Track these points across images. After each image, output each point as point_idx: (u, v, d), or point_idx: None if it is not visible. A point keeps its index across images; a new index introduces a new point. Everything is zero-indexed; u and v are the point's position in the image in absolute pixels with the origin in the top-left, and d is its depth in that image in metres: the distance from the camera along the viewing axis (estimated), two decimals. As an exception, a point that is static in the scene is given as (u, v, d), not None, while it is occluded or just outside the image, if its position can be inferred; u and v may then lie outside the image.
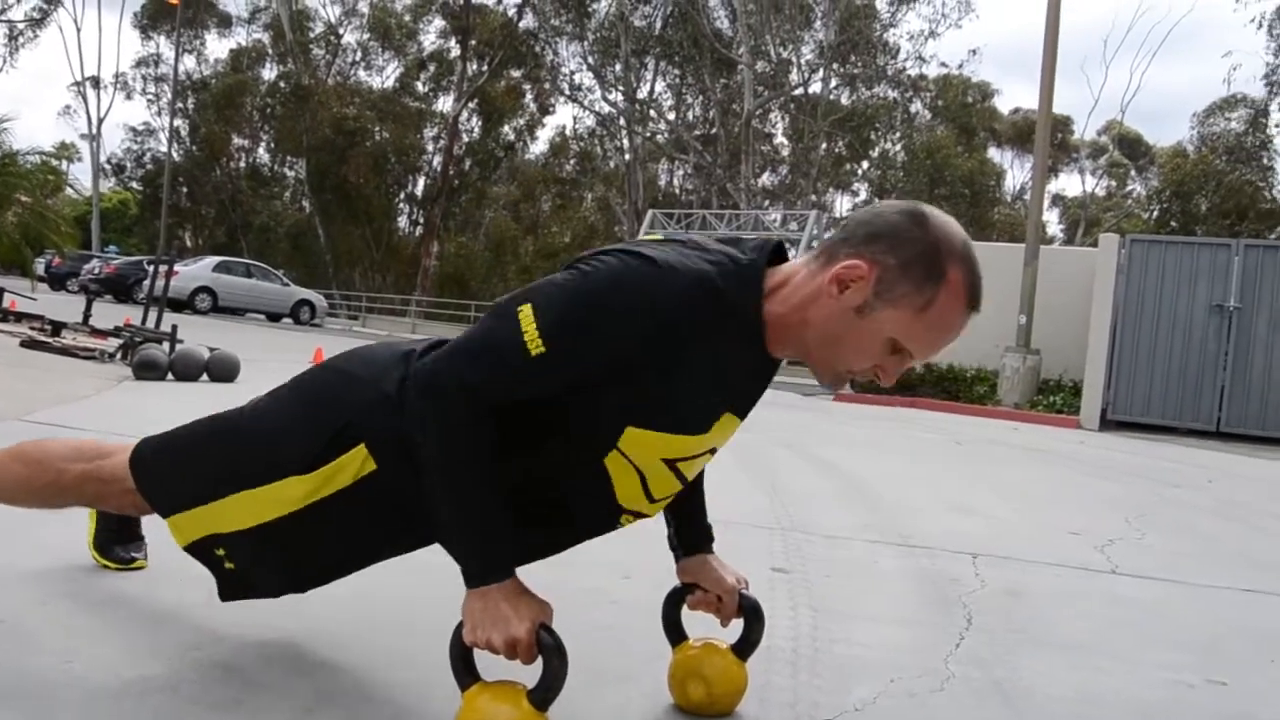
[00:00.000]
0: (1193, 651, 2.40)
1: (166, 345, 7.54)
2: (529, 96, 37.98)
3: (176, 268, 18.38)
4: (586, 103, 34.70)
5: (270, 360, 9.49)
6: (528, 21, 34.29)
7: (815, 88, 31.17)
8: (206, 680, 1.66)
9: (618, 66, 32.22)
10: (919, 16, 41.29)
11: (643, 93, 33.66)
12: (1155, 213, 32.67)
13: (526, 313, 1.35)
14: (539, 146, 41.23)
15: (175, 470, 1.72)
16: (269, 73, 40.80)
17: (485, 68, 35.02)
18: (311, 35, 39.67)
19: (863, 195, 39.38)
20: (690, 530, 1.75)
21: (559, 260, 28.49)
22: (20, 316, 10.14)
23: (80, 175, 47.33)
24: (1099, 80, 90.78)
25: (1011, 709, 1.89)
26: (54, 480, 1.86)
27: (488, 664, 1.45)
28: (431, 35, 38.81)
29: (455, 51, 36.26)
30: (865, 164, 36.25)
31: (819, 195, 33.38)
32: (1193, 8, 56.19)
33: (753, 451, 5.84)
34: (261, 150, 42.39)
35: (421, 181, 39.03)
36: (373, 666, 1.80)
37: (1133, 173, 41.24)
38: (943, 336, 1.41)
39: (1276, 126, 29.58)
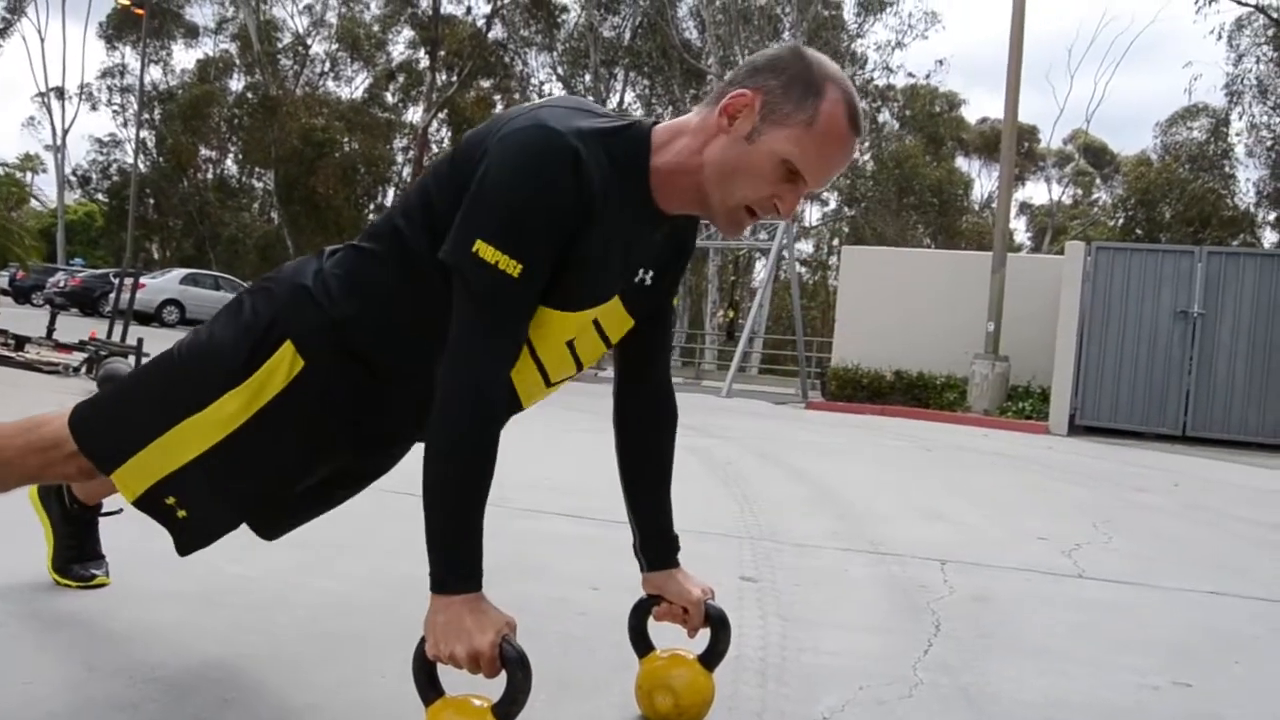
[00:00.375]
0: (1159, 654, 2.42)
1: (132, 358, 7.46)
2: (499, 107, 37.98)
3: (143, 280, 18.21)
4: (557, 113, 34.64)
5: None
6: (497, 32, 34.31)
7: (784, 97, 31.25)
8: (169, 699, 1.63)
9: (587, 77, 32.29)
10: (886, 27, 41.80)
11: (613, 103, 33.70)
12: (1120, 220, 33.07)
13: (482, 247, 1.38)
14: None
15: (115, 418, 1.71)
16: (236, 83, 40.55)
17: (455, 78, 34.95)
18: (279, 46, 39.46)
19: (832, 204, 39.64)
20: (656, 541, 1.75)
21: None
22: (-17, 331, 9.99)
23: (45, 187, 46.84)
24: (1064, 90, 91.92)
25: (979, 714, 1.89)
26: None
27: (452, 679, 1.44)
28: (400, 46, 38.76)
29: (424, 62, 36.17)
30: (835, 174, 36.45)
31: (789, 205, 33.54)
32: (1155, 19, 57.12)
33: (722, 459, 5.84)
34: (229, 161, 42.10)
35: (391, 192, 38.89)
36: (336, 683, 1.78)
37: (1098, 181, 41.72)
38: (832, 155, 1.45)
39: (1237, 135, 30.06)
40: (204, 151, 41.06)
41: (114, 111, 41.69)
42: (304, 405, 1.59)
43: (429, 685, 1.42)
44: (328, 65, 39.78)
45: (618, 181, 1.46)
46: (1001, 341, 12.67)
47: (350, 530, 2.94)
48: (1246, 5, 23.39)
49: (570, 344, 1.58)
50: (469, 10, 34.59)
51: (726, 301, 30.00)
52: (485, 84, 36.57)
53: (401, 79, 38.90)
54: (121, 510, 2.17)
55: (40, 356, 8.39)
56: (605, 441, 1.87)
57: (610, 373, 1.78)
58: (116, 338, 8.53)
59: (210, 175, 41.82)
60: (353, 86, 40.11)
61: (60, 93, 41.76)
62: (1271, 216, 31.25)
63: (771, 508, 4.24)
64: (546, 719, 1.63)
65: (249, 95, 38.44)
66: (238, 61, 40.30)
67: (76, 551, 2.18)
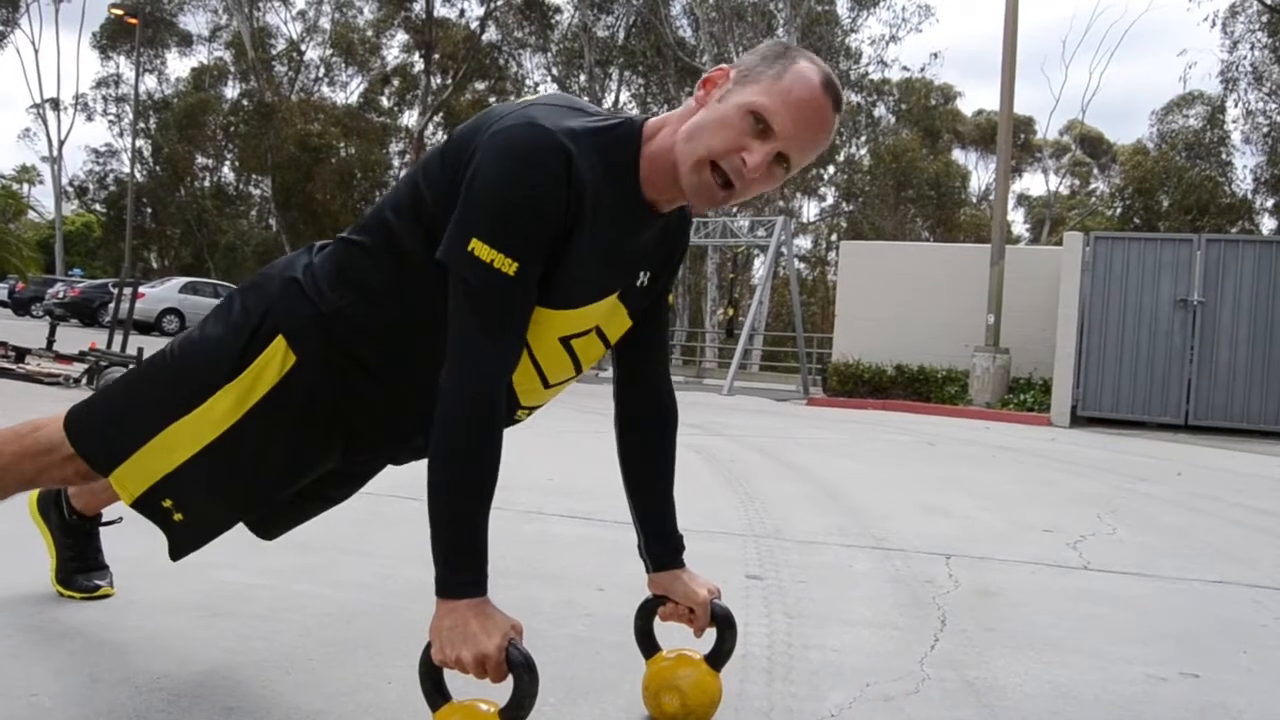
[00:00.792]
0: (1165, 645, 2.41)
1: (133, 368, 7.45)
2: (494, 109, 37.95)
3: (142, 289, 18.21)
4: (552, 114, 34.63)
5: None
6: (491, 34, 34.32)
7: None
8: (174, 709, 1.63)
9: (582, 77, 32.26)
10: (879, 21, 41.75)
11: (608, 102, 33.69)
12: (1118, 210, 33.07)
13: (477, 246, 1.38)
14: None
15: (110, 420, 1.70)
16: (231, 91, 40.54)
17: (449, 81, 34.97)
18: (274, 52, 39.44)
19: (830, 200, 39.62)
20: (661, 541, 1.75)
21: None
22: (-17, 344, 9.99)
23: (42, 198, 46.88)
24: (1059, 81, 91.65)
25: (987, 709, 1.89)
26: None
27: (459, 684, 1.44)
28: (395, 50, 38.73)
29: (419, 66, 36.18)
30: (831, 168, 36.44)
31: (786, 201, 33.55)
32: (1148, 8, 56.96)
33: (725, 457, 5.84)
34: (226, 169, 42.07)
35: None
36: (342, 690, 1.78)
37: (1095, 171, 41.69)
38: (802, 109, 1.42)
39: (1233, 122, 30.04)
40: (200, 159, 41.05)
41: (110, 121, 41.69)
42: (296, 402, 1.59)
43: (436, 690, 1.42)
44: (322, 71, 39.77)
45: (609, 179, 1.46)
46: (1002, 334, 12.67)
47: (353, 535, 2.94)
48: (1240, -8, 23.42)
49: (567, 344, 1.58)
50: (462, 13, 34.64)
51: (726, 299, 29.97)
52: (480, 86, 36.58)
53: (396, 83, 38.90)
54: (121, 519, 2.18)
55: (41, 368, 8.38)
56: (608, 441, 1.86)
57: (611, 373, 1.77)
58: (117, 348, 8.53)
59: (207, 183, 41.81)
60: (348, 92, 40.15)
61: (55, 104, 41.77)
62: (1269, 203, 31.22)
63: (775, 505, 4.24)
64: (553, 722, 1.63)
65: (244, 102, 38.43)
66: (232, 69, 40.29)
67: (79, 563, 2.17)
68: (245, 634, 2.03)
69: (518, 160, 1.38)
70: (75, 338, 12.49)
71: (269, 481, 1.67)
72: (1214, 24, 27.38)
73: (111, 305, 12.53)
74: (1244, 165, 38.12)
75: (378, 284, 1.56)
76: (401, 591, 2.41)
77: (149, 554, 2.15)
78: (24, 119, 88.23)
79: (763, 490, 4.66)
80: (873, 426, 9.60)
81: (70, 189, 42.62)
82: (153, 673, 1.78)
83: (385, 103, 39.70)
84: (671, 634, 1.79)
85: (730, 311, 27.00)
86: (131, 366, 7.41)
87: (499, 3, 33.16)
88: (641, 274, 1.62)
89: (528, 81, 34.88)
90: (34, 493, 2.18)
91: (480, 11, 33.49)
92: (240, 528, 1.78)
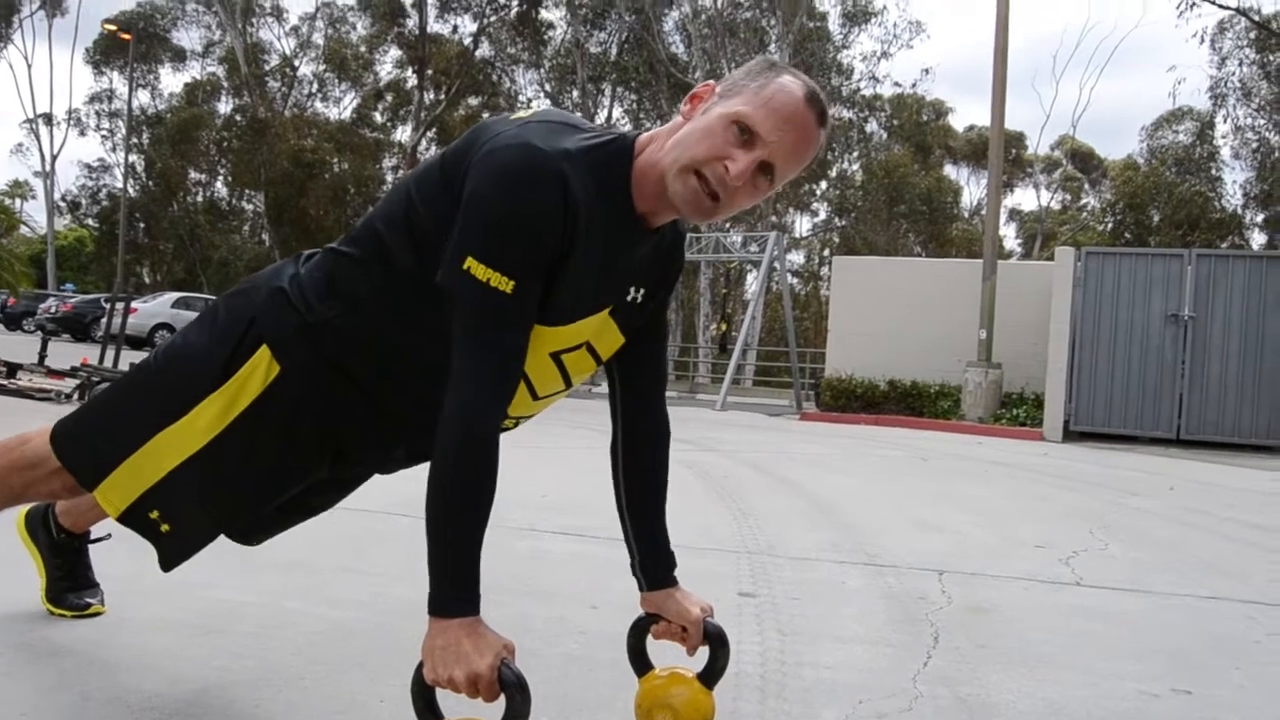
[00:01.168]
0: (1158, 661, 2.42)
1: (124, 384, 7.43)
2: (488, 125, 38.01)
3: (135, 305, 18.18)
4: (545, 129, 34.67)
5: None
6: (484, 50, 34.36)
7: (772, 110, 31.31)
8: (165, 728, 1.63)
9: (575, 93, 32.33)
10: (871, 38, 41.89)
11: (600, 118, 33.79)
12: (1109, 225, 33.16)
13: (473, 265, 1.38)
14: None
15: (95, 432, 1.70)
16: (225, 106, 40.50)
17: (443, 97, 35.01)
18: (267, 68, 39.46)
19: (822, 215, 39.70)
20: (653, 559, 1.74)
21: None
22: (-26, 359, 9.95)
23: (35, 213, 46.77)
24: (1050, 96, 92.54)
25: (980, 726, 1.89)
26: None
27: (451, 704, 1.43)
28: (388, 65, 38.74)
29: (412, 81, 36.22)
30: (824, 184, 36.54)
31: (779, 216, 33.62)
32: (1137, 24, 57.41)
33: (719, 474, 5.84)
34: (219, 184, 42.01)
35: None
36: (334, 708, 1.77)
37: (1086, 186, 41.84)
38: (786, 118, 1.43)
39: (1223, 138, 30.18)
40: (193, 174, 41.00)
41: (103, 136, 41.62)
42: (281, 413, 1.59)
43: (428, 710, 1.41)
44: (315, 86, 39.78)
45: (602, 196, 1.46)
46: (994, 348, 12.69)
47: (345, 553, 2.93)
48: (1227, 9, 23.51)
49: (557, 359, 1.58)
50: (455, 29, 34.67)
51: (719, 314, 30.00)
52: (473, 102, 36.62)
53: (389, 99, 38.94)
54: (110, 536, 2.17)
55: (32, 383, 8.36)
56: (600, 457, 1.86)
57: (604, 387, 1.77)
58: (109, 363, 8.50)
59: (200, 198, 41.76)
60: (341, 107, 40.17)
61: (48, 119, 41.72)
62: (1259, 218, 31.35)
63: (768, 521, 4.24)
64: (546, 741, 1.62)
65: (237, 118, 38.45)
66: (225, 84, 40.30)
67: (69, 581, 2.17)
68: (237, 652, 2.02)
69: (512, 180, 1.39)
70: (67, 353, 12.46)
71: (255, 491, 1.67)
72: (1202, 40, 27.49)
73: (104, 320, 12.50)
74: (1233, 180, 38.22)
75: (367, 295, 1.56)
76: (394, 609, 2.40)
77: (139, 571, 2.14)
78: (17, 134, 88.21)
79: (756, 506, 4.66)
80: (866, 441, 9.61)
81: (63, 204, 42.57)
82: (144, 691, 1.77)
83: (378, 118, 39.73)
84: (665, 652, 1.79)
85: (723, 327, 27.00)
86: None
87: (492, 19, 33.24)
88: (633, 289, 1.62)
89: (520, 97, 34.92)
90: (22, 512, 2.17)
91: (473, 27, 33.57)
92: (227, 540, 1.78)
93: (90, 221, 43.06)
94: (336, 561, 2.82)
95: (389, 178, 38.83)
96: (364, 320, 1.57)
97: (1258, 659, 2.52)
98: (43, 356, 9.59)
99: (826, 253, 38.64)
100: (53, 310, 25.36)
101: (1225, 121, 29.64)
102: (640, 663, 1.76)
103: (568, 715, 1.78)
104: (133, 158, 37.89)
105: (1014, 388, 12.89)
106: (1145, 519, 5.14)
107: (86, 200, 42.38)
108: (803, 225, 40.74)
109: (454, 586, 1.39)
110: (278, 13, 39.49)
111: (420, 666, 1.40)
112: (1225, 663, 2.46)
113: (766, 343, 29.78)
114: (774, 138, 1.43)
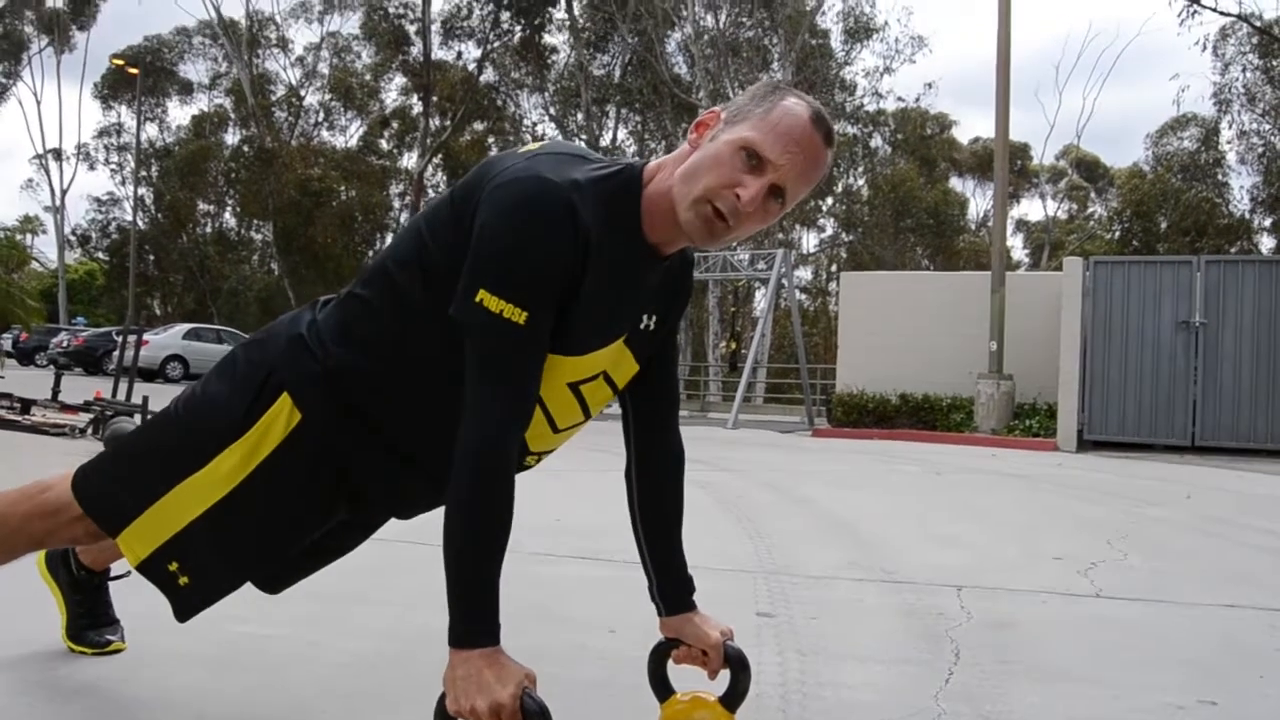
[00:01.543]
0: (1182, 672, 2.40)
1: (138, 417, 7.46)
2: (493, 150, 38.20)
3: (146, 337, 18.26)
4: (550, 153, 34.78)
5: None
6: (488, 75, 34.55)
7: (776, 127, 31.37)
8: (189, 764, 1.63)
9: (580, 115, 32.47)
10: (873, 54, 41.98)
11: (605, 140, 33.92)
12: (1117, 233, 33.14)
13: (486, 297, 1.39)
14: (506, 198, 41.24)
15: (117, 480, 1.71)
16: (232, 137, 40.76)
17: (448, 123, 35.19)
18: (273, 98, 39.75)
19: (829, 231, 39.72)
20: (671, 584, 1.74)
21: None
22: (-12, 396, 10.00)
23: (45, 248, 46.98)
24: (1054, 106, 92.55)
25: (1004, 744, 1.88)
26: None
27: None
28: (393, 93, 38.98)
29: (417, 108, 36.42)
30: (830, 199, 36.59)
31: (786, 233, 33.64)
32: (1139, 33, 57.48)
33: (733, 494, 5.83)
34: (227, 214, 42.25)
35: (389, 239, 39.01)
36: (358, 739, 1.77)
37: (1092, 195, 41.82)
38: (794, 141, 1.44)
39: (1228, 143, 30.16)
40: (202, 206, 41.24)
41: (111, 170, 41.90)
42: (302, 459, 1.59)
43: (451, 741, 1.41)
44: (322, 115, 40.05)
45: (612, 226, 1.47)
46: (1005, 360, 12.67)
47: (364, 583, 2.93)
48: (1229, 15, 23.53)
49: (576, 389, 1.58)
50: (459, 55, 34.87)
51: (728, 332, 30.02)
52: (479, 127, 36.81)
53: (395, 126, 39.16)
54: (130, 573, 2.17)
55: (46, 419, 8.39)
56: (612, 479, 1.87)
57: (615, 408, 1.77)
58: (122, 396, 8.53)
59: (209, 229, 42.00)
60: (347, 135, 40.39)
61: (58, 154, 42.03)
62: (1267, 222, 31.29)
63: (784, 541, 4.23)
64: (570, 768, 1.62)
65: (245, 148, 38.69)
66: (232, 115, 40.58)
67: (89, 619, 2.17)
68: (258, 687, 2.03)
69: (522, 211, 1.40)
70: (80, 387, 12.51)
71: (276, 539, 1.67)
72: (1205, 47, 27.39)
73: (116, 353, 12.56)
74: (1240, 185, 38.10)
75: (382, 337, 1.57)
76: (415, 639, 2.40)
77: (160, 607, 2.14)
78: (27, 170, 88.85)
79: (771, 525, 4.65)
80: (879, 457, 9.58)
81: (73, 238, 42.82)
82: (167, 728, 1.77)
83: (385, 145, 39.95)
84: (686, 676, 1.79)
85: (733, 345, 27.05)
86: (138, 419, 7.42)
87: (495, 44, 33.45)
88: (645, 317, 1.63)
89: (525, 121, 35.10)
90: (42, 551, 2.18)
91: (477, 53, 33.78)
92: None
93: (100, 255, 43.31)
94: (356, 591, 2.82)
95: (396, 204, 39.00)
96: (381, 363, 1.57)
97: (1282, 669, 2.50)
98: (56, 391, 9.63)
99: (834, 268, 38.65)
100: (65, 344, 25.46)
101: (1230, 127, 29.66)
102: (661, 688, 1.76)
103: (590, 742, 1.77)
104: (142, 190, 38.16)
105: (1026, 399, 12.85)
106: (1163, 528, 5.11)
107: (96, 234, 42.65)
108: (810, 241, 40.79)
109: (474, 617, 1.39)
110: (283, 43, 39.83)
111: (443, 697, 1.40)
112: (1250, 672, 2.45)
113: (776, 360, 29.76)
114: (783, 161, 1.44)
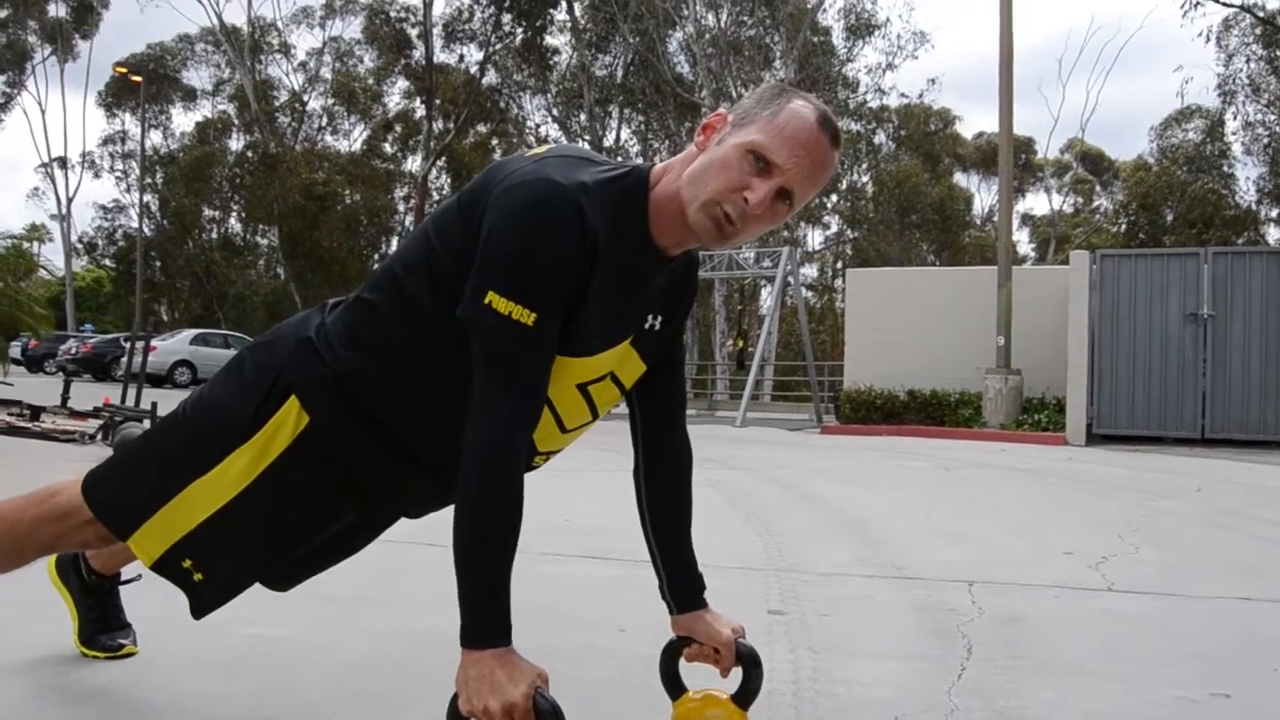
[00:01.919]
0: (1195, 665, 2.39)
1: (147, 423, 7.48)
2: (497, 152, 38.21)
3: (154, 343, 18.30)
4: (554, 154, 34.81)
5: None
6: (490, 78, 34.57)
7: (780, 125, 31.35)
8: (202, 768, 1.63)
9: (582, 116, 32.48)
10: (875, 50, 41.86)
11: (609, 140, 33.92)
12: (1123, 226, 33.02)
13: (494, 299, 1.39)
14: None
15: (128, 482, 1.71)
16: (236, 143, 40.84)
17: (451, 125, 35.21)
18: (276, 104, 39.80)
19: (834, 228, 39.68)
20: (682, 582, 1.74)
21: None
22: (-2, 403, 10.03)
23: (52, 256, 47.20)
24: (1057, 100, 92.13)
25: (1018, 738, 1.87)
26: (9, 531, 1.81)
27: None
28: (396, 97, 39.03)
29: (420, 111, 36.44)
30: (835, 197, 36.55)
31: (791, 231, 33.61)
32: (1142, 25, 57.18)
33: (743, 491, 5.82)
34: (233, 220, 42.31)
35: (395, 242, 39.09)
36: (371, 741, 1.77)
37: (1098, 188, 41.71)
38: (801, 144, 1.44)
39: (1233, 135, 30.05)
40: (207, 211, 41.32)
41: (117, 178, 42.02)
42: (311, 461, 1.59)
43: (463, 741, 1.41)
44: (325, 120, 40.11)
45: (619, 228, 1.47)
46: (1013, 354, 12.64)
47: (373, 584, 2.94)
48: (1232, 6, 23.45)
49: (584, 390, 1.59)
50: (461, 58, 34.89)
51: (735, 331, 29.99)
52: (482, 129, 36.83)
53: (398, 129, 39.20)
54: (140, 577, 2.18)
55: (56, 425, 8.41)
56: (621, 478, 1.86)
57: (622, 408, 1.77)
58: (130, 402, 8.56)
59: (214, 235, 42.05)
60: (351, 139, 40.46)
61: (63, 162, 42.21)
62: (1274, 213, 31.19)
63: (794, 538, 4.22)
64: (582, 768, 1.61)
65: (249, 154, 38.75)
66: (236, 121, 40.66)
67: (101, 623, 2.18)
68: (268, 689, 2.03)
69: (531, 214, 1.40)
70: (89, 393, 12.55)
71: (286, 539, 1.68)
72: (1208, 39, 27.32)
73: (124, 359, 12.58)
74: (1246, 177, 38.03)
75: (390, 342, 1.57)
76: (424, 640, 2.40)
77: (171, 611, 2.15)
78: (32, 179, 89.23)
79: (781, 523, 4.64)
80: (887, 453, 9.57)
81: (79, 245, 42.96)
82: (179, 732, 1.77)
83: (388, 149, 40.00)
84: (698, 674, 1.78)
85: (739, 343, 27.00)
86: (147, 425, 7.44)
87: (498, 47, 33.45)
88: (651, 318, 1.63)
89: (528, 123, 35.12)
90: (52, 556, 2.18)
91: (479, 56, 33.78)
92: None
93: (107, 262, 43.40)
94: (364, 593, 2.82)
95: (401, 207, 39.04)
96: (388, 366, 1.58)
97: (1296, 660, 2.49)
98: (65, 398, 9.65)
99: (840, 265, 38.61)
100: (73, 351, 25.55)
101: (1235, 118, 29.55)
102: (673, 686, 1.76)
103: (602, 741, 1.77)
104: (147, 197, 38.24)
105: (1034, 393, 12.82)
106: (1174, 521, 5.09)
107: (103, 241, 42.74)
108: (815, 239, 40.76)
109: (485, 618, 1.39)
110: (286, 49, 39.91)
111: (455, 698, 1.40)
112: (1264, 665, 2.44)
113: (783, 357, 29.73)
114: (790, 164, 1.44)
